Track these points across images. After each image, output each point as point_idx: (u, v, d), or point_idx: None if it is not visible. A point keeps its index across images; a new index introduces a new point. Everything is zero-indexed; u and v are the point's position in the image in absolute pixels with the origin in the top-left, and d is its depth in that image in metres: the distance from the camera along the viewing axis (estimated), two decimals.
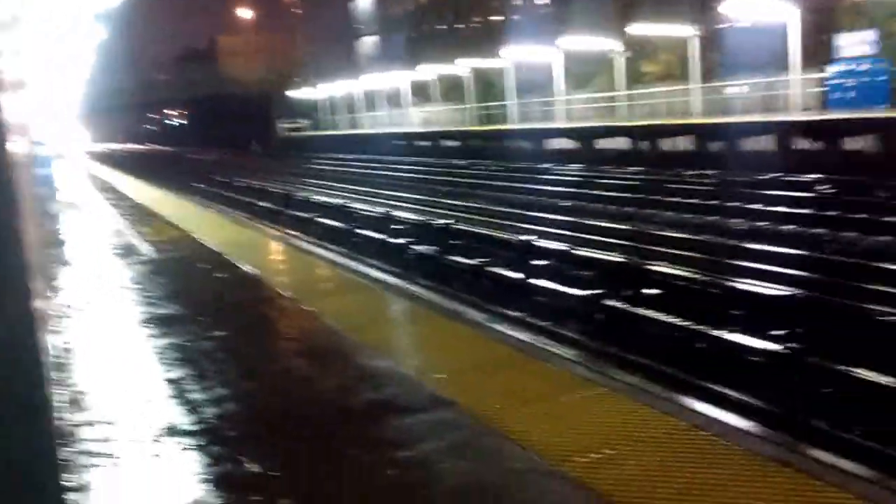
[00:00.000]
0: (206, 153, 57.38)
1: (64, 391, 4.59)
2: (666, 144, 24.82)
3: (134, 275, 8.63)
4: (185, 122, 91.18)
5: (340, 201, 19.18)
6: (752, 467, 3.08)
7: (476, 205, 18.08)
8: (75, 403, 4.41)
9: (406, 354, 5.01)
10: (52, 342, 5.62)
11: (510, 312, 9.04)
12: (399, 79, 45.06)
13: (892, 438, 5.27)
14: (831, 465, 3.09)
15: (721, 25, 28.20)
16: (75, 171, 31.52)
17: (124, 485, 3.42)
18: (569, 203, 17.43)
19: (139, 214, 15.39)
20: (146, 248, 10.51)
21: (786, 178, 17.37)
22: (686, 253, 10.72)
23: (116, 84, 72.06)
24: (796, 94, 22.37)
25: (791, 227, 12.62)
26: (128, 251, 10.35)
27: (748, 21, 25.91)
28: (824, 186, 16.09)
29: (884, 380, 5.78)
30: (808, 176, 17.17)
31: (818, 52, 23.00)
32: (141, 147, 71.99)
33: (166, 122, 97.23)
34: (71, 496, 3.18)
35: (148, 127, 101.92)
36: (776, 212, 13.55)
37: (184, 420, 4.05)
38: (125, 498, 3.32)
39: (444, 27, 52.89)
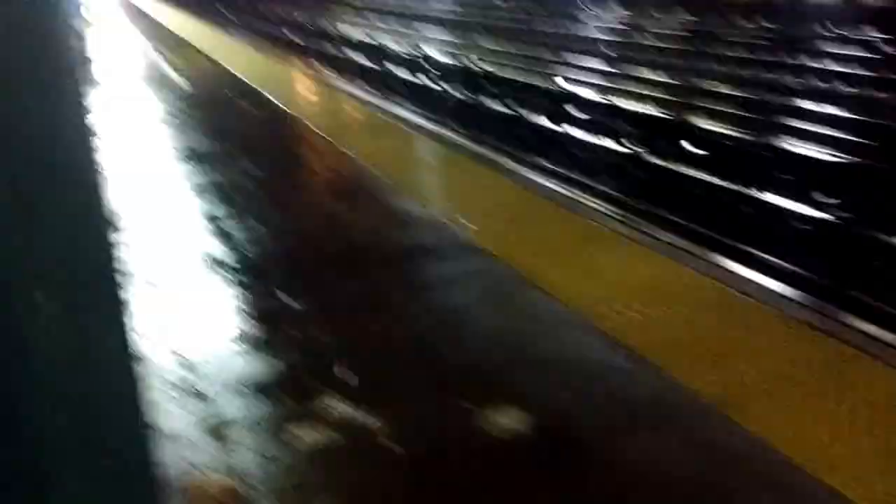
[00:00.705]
0: None
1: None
2: None
3: (167, 106, 8.53)
4: None
5: (376, 41, 18.57)
6: (792, 334, 3.04)
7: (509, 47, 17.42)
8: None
9: (441, 200, 4.95)
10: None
11: (546, 164, 8.90)
12: None
13: None
14: (875, 336, 3.05)
15: None
16: None
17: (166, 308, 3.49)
18: (610, 51, 16.73)
19: (172, 43, 15.07)
20: (178, 79, 10.34)
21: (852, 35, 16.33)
22: (737, 111, 10.34)
23: None
24: None
25: (852, 88, 12.01)
26: (160, 80, 10.19)
27: None
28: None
29: None
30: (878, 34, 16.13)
31: None
32: None
33: None
34: None
35: None
36: (837, 71, 12.87)
37: (224, 256, 4.08)
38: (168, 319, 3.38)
39: None
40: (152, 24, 19.73)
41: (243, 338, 3.16)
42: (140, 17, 22.56)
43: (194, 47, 14.08)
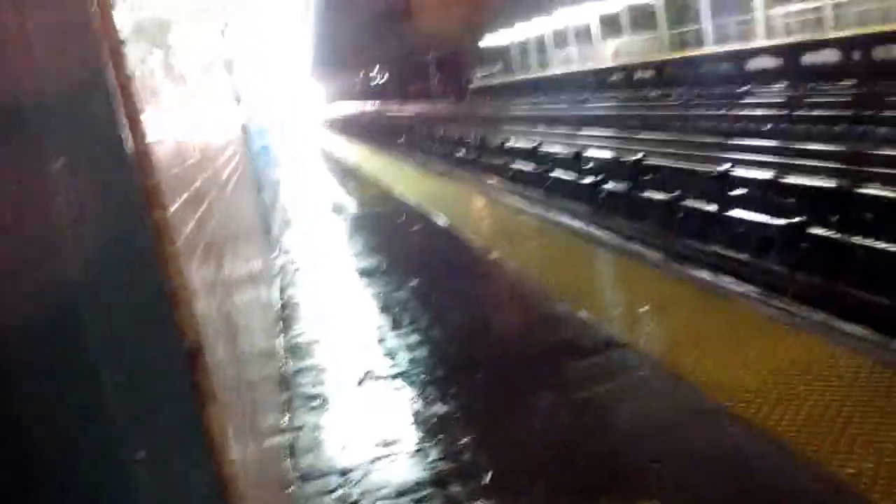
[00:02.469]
0: (405, 109, 59.08)
1: (286, 341, 5.12)
2: (881, 53, 22.31)
3: (340, 230, 9.27)
4: (386, 79, 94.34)
5: (533, 145, 19.14)
6: None
7: (669, 138, 17.38)
8: (295, 351, 4.92)
9: (585, 297, 5.05)
10: (278, 296, 6.25)
11: (701, 247, 8.73)
12: (588, 13, 43.77)
13: None
14: None
15: None
16: (296, 138, 33.70)
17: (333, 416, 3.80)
18: (771, 126, 16.30)
19: (343, 174, 16.34)
20: (350, 204, 11.21)
21: None
22: None
23: (327, 52, 75.75)
24: None
25: None
26: (335, 208, 11.10)
27: None
28: None
29: None
30: None
31: None
32: (353, 108, 75.17)
33: (370, 82, 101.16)
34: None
35: (354, 87, 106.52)
36: None
37: (381, 364, 4.40)
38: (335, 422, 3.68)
39: None
40: (328, 156, 21.46)
41: (396, 442, 3.40)
42: (320, 150, 24.63)
43: (363, 173, 15.19)
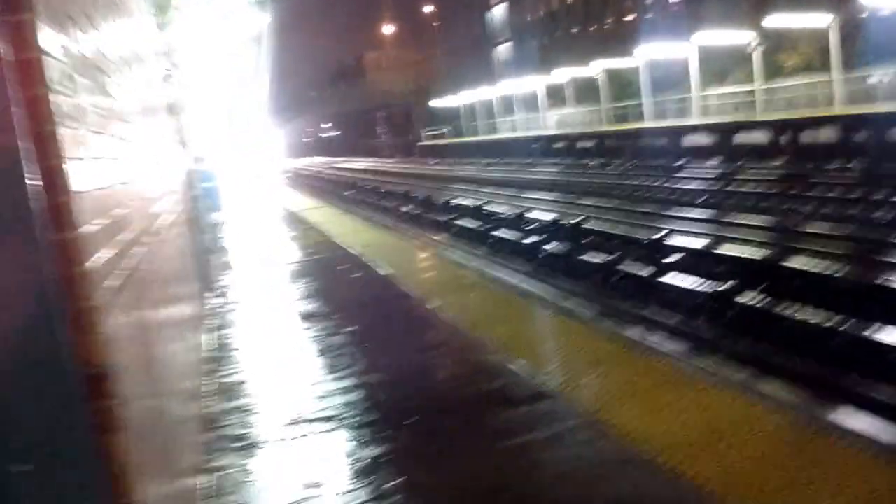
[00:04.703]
0: (354, 163, 59.27)
1: (213, 381, 4.92)
2: (806, 137, 23.34)
3: (281, 274, 9.10)
4: (337, 133, 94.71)
5: (477, 203, 19.32)
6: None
7: (608, 204, 17.74)
8: (223, 392, 4.72)
9: (518, 350, 4.99)
10: (209, 337, 6.04)
11: (634, 308, 8.82)
12: (534, 83, 44.88)
13: None
14: None
15: (861, 14, 26.23)
16: (246, 183, 33.40)
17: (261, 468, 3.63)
18: (703, 198, 16.79)
19: (290, 222, 16.18)
20: (294, 250, 11.05)
21: None
22: (826, 249, 10.06)
23: (278, 105, 76.13)
24: None
25: None
26: (278, 252, 10.93)
27: (888, 9, 24.00)
28: None
29: None
30: None
31: None
32: (305, 159, 74.93)
33: (321, 135, 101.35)
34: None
35: (305, 140, 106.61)
36: None
37: (312, 407, 4.25)
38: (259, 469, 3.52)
39: (577, 30, 52.07)
40: (272, 205, 21.28)
41: (324, 484, 3.26)
42: (264, 199, 24.40)
43: (309, 223, 15.06)
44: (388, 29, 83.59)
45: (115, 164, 2.43)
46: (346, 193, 30.73)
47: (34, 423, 1.46)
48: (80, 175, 1.79)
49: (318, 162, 64.14)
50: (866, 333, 6.56)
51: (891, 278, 7.77)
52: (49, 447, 1.48)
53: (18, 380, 1.45)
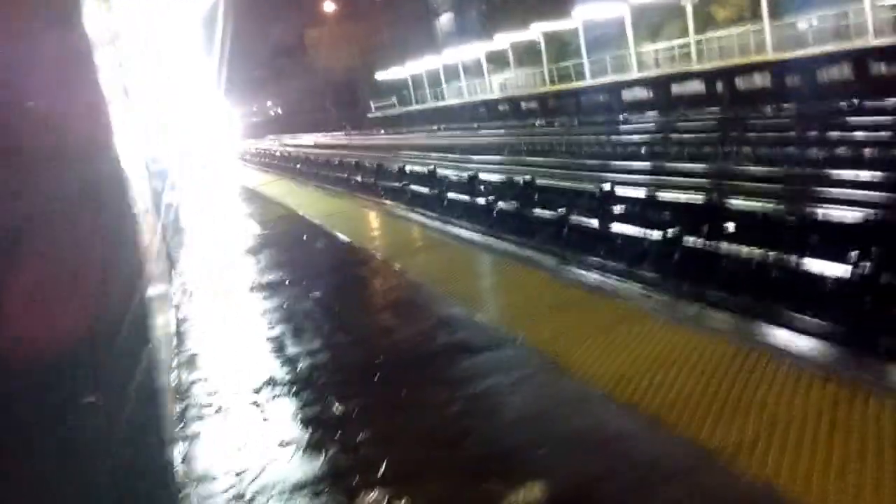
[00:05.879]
0: (303, 138, 58.41)
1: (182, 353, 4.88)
2: (741, 84, 23.71)
3: (244, 248, 9.01)
4: (283, 111, 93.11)
5: (428, 168, 19.25)
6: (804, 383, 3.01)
7: (556, 160, 17.84)
8: (191, 363, 4.69)
9: (480, 302, 5.04)
10: (175, 315, 5.97)
11: (589, 257, 8.94)
12: (476, 50, 44.67)
13: None
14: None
15: None
16: (202, 163, 32.74)
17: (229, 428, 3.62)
18: (646, 149, 17.00)
19: (247, 197, 15.95)
20: (255, 225, 10.92)
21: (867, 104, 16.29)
22: (763, 185, 10.31)
23: (233, 87, 74.57)
24: (868, 20, 20.92)
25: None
26: (239, 227, 10.79)
27: None
28: None
29: None
30: (890, 99, 16.06)
31: None
32: (255, 143, 73.58)
33: (270, 113, 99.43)
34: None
35: (254, 119, 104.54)
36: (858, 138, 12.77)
37: (280, 371, 4.25)
38: (229, 434, 3.51)
39: None
40: (228, 179, 20.95)
41: (293, 442, 3.27)
42: (220, 175, 23.99)
43: (267, 197, 14.88)
44: (329, 7, 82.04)
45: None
46: (299, 167, 30.34)
47: None
48: None
49: (268, 140, 62.98)
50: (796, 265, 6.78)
51: (823, 211, 8.01)
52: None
53: None
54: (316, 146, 44.13)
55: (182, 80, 27.69)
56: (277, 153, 42.08)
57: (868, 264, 5.99)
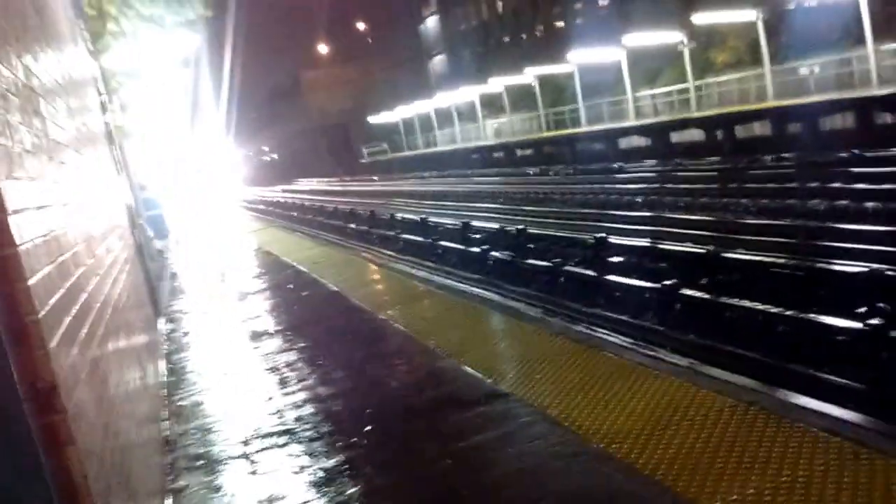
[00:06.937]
0: (299, 184, 58.82)
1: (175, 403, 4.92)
2: (741, 132, 24.04)
3: (232, 295, 9.07)
4: (276, 156, 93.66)
5: (421, 217, 19.43)
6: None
7: (550, 209, 18.03)
8: (179, 414, 4.73)
9: (469, 353, 5.09)
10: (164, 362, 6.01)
11: (580, 307, 9.02)
12: (470, 94, 45.21)
13: None
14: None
15: (787, 7, 27.23)
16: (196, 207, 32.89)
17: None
18: (642, 199, 17.21)
19: (239, 244, 16.06)
20: (244, 272, 11.01)
21: (870, 155, 16.48)
22: (765, 238, 10.43)
23: (232, 130, 75.68)
24: (872, 68, 21.29)
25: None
26: (229, 274, 10.87)
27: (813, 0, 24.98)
28: None
29: None
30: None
31: (890, 25, 21.89)
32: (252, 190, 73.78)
33: (264, 158, 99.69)
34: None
35: (253, 163, 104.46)
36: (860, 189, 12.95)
37: (267, 422, 4.30)
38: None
39: (509, 39, 52.79)
40: (221, 227, 21.06)
41: (282, 498, 3.31)
42: (213, 222, 24.11)
43: (264, 248, 14.99)
44: (322, 49, 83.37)
45: (53, 187, 2.47)
46: (293, 214, 30.57)
47: None
48: (18, 195, 1.86)
49: (267, 190, 63.39)
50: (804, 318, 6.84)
51: (826, 263, 8.12)
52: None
53: None
54: (311, 192, 44.50)
55: (180, 123, 27.99)
56: (270, 200, 42.55)
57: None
